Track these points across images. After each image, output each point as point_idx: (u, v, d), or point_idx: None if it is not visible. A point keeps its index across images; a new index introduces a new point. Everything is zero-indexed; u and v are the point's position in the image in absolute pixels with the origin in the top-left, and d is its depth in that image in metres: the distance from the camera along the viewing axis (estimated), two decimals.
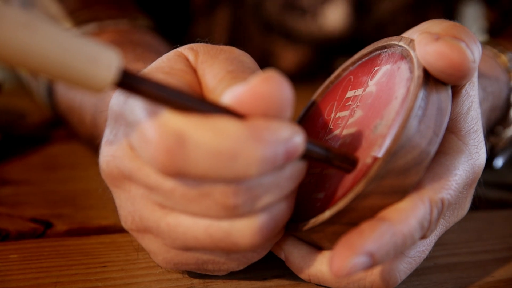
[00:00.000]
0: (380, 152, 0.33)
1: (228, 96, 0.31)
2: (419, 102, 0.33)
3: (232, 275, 0.38)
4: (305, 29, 0.88)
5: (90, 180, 0.54)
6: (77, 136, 0.60)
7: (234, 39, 0.88)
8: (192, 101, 0.30)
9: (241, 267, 0.36)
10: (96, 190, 0.51)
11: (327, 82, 0.42)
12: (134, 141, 0.32)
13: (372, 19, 0.91)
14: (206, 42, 0.38)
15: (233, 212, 0.32)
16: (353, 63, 0.41)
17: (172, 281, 0.37)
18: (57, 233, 0.44)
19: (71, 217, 0.46)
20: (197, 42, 0.38)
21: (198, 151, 0.29)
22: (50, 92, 0.60)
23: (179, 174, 0.30)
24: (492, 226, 0.49)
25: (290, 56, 0.91)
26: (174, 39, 0.62)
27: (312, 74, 0.90)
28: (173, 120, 0.30)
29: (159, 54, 0.52)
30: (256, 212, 0.32)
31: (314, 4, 0.87)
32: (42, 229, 0.44)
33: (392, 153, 0.32)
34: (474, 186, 0.38)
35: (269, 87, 0.30)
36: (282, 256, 0.38)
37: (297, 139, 0.31)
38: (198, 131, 0.29)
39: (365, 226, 0.32)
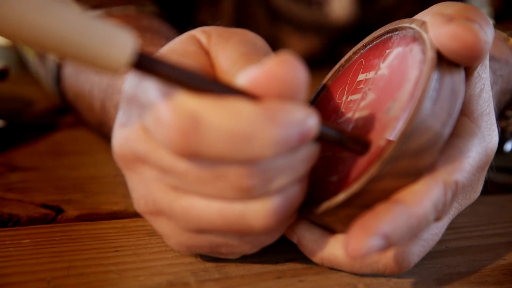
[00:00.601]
0: (393, 134, 0.33)
1: (243, 78, 0.31)
2: (433, 83, 0.33)
3: (244, 259, 0.38)
4: (311, 18, 0.88)
5: (98, 166, 0.54)
6: (86, 122, 0.60)
7: (240, 27, 0.88)
8: (207, 82, 0.30)
9: (254, 250, 0.36)
10: (105, 176, 0.51)
11: (337, 65, 0.42)
12: (148, 122, 0.32)
13: (378, 8, 0.91)
14: (218, 25, 0.37)
15: (247, 194, 0.31)
16: (364, 46, 0.41)
17: (185, 264, 0.37)
18: (68, 219, 0.44)
19: (81, 202, 0.46)
20: (209, 25, 0.37)
21: (213, 133, 0.29)
22: (58, 79, 0.60)
23: (193, 155, 0.30)
24: (503, 209, 0.49)
25: (297, 43, 0.91)
26: (180, 27, 0.62)
27: (319, 62, 0.89)
28: (188, 101, 0.30)
29: (168, 39, 0.52)
30: (270, 194, 0.32)
31: None
32: (53, 214, 0.44)
33: (406, 135, 0.32)
34: (487, 168, 0.37)
35: (285, 69, 0.30)
36: (295, 240, 0.37)
37: (311, 121, 0.31)
38: (213, 112, 0.29)
39: (380, 208, 0.32)
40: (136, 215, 0.44)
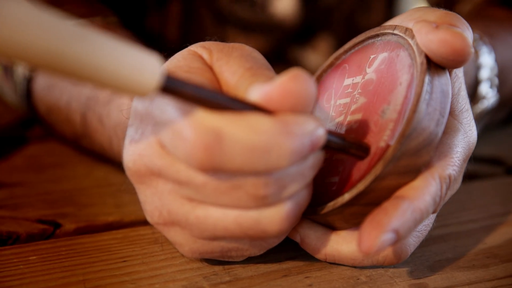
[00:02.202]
0: (393, 136, 0.35)
1: (256, 94, 0.33)
2: (426, 87, 0.35)
3: (249, 260, 0.40)
4: (255, 19, 0.90)
5: (80, 179, 0.55)
6: (60, 135, 0.60)
7: (188, 30, 0.89)
8: (226, 100, 0.32)
9: (262, 252, 0.38)
10: (89, 188, 0.52)
11: (319, 71, 0.44)
12: (166, 139, 0.33)
13: (319, 6, 0.93)
14: (215, 40, 0.39)
15: (262, 202, 0.34)
16: (346, 51, 0.43)
17: (194, 270, 0.39)
18: (66, 233, 0.45)
19: (75, 216, 0.47)
20: (207, 40, 0.39)
21: (234, 147, 0.31)
22: (28, 92, 0.60)
23: (215, 169, 0.32)
24: (472, 196, 0.53)
25: None
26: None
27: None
28: (209, 119, 0.31)
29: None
30: (283, 200, 0.34)
31: None
32: (51, 229, 0.44)
33: (405, 136, 0.34)
34: (467, 160, 0.40)
35: (297, 85, 0.32)
36: (297, 239, 0.39)
37: (320, 131, 0.33)
38: (234, 128, 0.31)
39: (388, 205, 0.34)
40: (133, 224, 0.46)
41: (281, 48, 0.95)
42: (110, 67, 0.28)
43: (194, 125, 0.31)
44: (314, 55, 0.97)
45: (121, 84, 0.28)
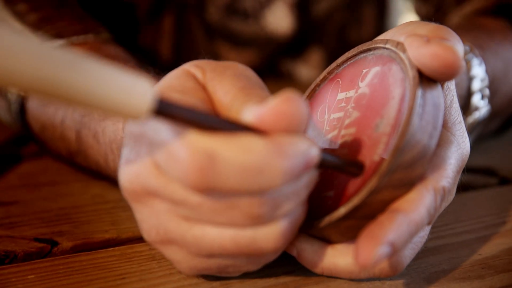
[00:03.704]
0: (387, 149, 0.36)
1: (250, 115, 0.33)
2: (418, 100, 0.36)
3: (247, 275, 0.40)
4: (248, 32, 0.91)
5: (76, 196, 0.55)
6: (54, 152, 0.60)
7: (181, 45, 0.90)
8: (219, 122, 0.32)
9: (259, 267, 0.39)
10: (86, 205, 0.52)
11: (313, 85, 0.45)
12: (161, 160, 0.34)
13: (311, 19, 0.94)
14: (208, 58, 0.39)
15: (257, 221, 0.34)
16: (338, 66, 0.44)
17: (192, 286, 0.39)
18: (64, 251, 0.45)
19: (72, 233, 0.47)
20: (200, 58, 0.39)
21: (228, 168, 0.32)
22: (22, 110, 0.60)
23: (209, 190, 0.32)
24: (466, 207, 0.53)
25: (236, 59, 0.93)
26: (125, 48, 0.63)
27: (259, 76, 0.92)
28: (202, 140, 0.32)
29: (136, 67, 0.53)
30: (278, 218, 0.35)
31: (256, 7, 0.89)
32: (49, 247, 0.44)
33: (400, 149, 0.35)
34: (461, 172, 0.41)
35: (290, 107, 0.32)
36: (294, 253, 0.40)
37: (313, 151, 0.34)
38: (227, 149, 0.32)
39: (384, 218, 0.34)
40: (130, 241, 0.46)
41: (273, 61, 0.96)
42: (101, 93, 0.28)
43: (188, 147, 0.32)
44: (305, 68, 0.98)
45: (113, 108, 0.29)
